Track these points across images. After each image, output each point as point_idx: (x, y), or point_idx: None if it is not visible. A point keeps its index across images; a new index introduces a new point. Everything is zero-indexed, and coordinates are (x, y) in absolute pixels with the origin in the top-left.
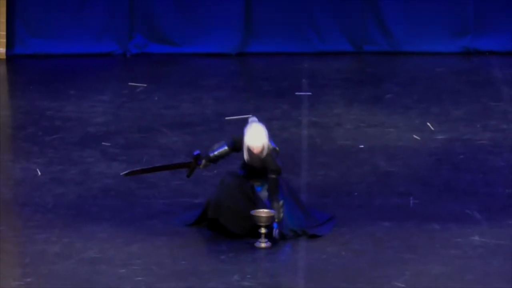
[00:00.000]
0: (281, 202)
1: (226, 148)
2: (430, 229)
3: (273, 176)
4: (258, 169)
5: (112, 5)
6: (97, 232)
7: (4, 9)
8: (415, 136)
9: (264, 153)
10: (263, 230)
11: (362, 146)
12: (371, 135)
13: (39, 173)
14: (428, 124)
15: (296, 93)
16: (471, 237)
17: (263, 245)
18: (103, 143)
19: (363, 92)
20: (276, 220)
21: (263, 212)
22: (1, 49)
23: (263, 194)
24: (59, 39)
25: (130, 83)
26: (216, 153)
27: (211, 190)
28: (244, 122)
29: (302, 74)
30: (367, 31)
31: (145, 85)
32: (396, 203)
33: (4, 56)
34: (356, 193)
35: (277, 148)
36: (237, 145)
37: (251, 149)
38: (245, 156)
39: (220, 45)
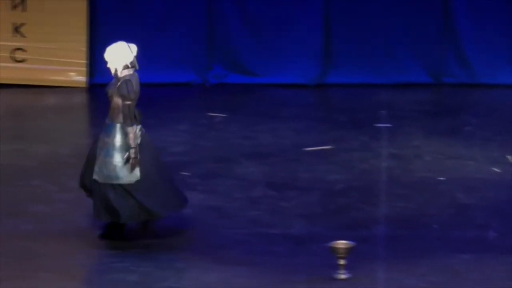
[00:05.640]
0: (138, 128)
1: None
2: (510, 262)
3: (126, 102)
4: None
5: (191, 35)
6: (175, 262)
7: (85, 38)
8: (494, 169)
9: (114, 71)
10: (341, 262)
11: (444, 178)
12: (449, 167)
13: None
14: (508, 156)
15: (376, 125)
16: None
17: (342, 276)
18: (182, 172)
19: (442, 124)
20: (130, 144)
21: (341, 244)
22: (82, 78)
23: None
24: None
25: (209, 113)
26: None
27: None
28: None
29: (380, 106)
30: (446, 63)
31: (224, 115)
32: (475, 235)
33: (85, 85)
34: (434, 225)
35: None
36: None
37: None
38: None
39: (299, 76)
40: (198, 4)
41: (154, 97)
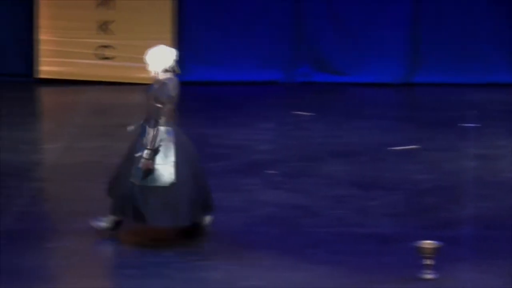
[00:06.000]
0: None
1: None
2: None
3: (157, 104)
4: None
5: (278, 34)
6: (259, 260)
7: (170, 36)
8: None
9: (153, 73)
10: (428, 262)
11: None
12: None
13: None
14: None
15: (463, 125)
16: None
17: (428, 276)
18: (268, 171)
19: None
20: (147, 146)
21: (427, 244)
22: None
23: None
24: (224, 66)
25: (295, 112)
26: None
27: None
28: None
29: (467, 106)
30: None
31: (311, 113)
32: None
33: None
34: None
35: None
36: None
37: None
38: None
39: (385, 75)
40: (285, 3)
41: (241, 96)
